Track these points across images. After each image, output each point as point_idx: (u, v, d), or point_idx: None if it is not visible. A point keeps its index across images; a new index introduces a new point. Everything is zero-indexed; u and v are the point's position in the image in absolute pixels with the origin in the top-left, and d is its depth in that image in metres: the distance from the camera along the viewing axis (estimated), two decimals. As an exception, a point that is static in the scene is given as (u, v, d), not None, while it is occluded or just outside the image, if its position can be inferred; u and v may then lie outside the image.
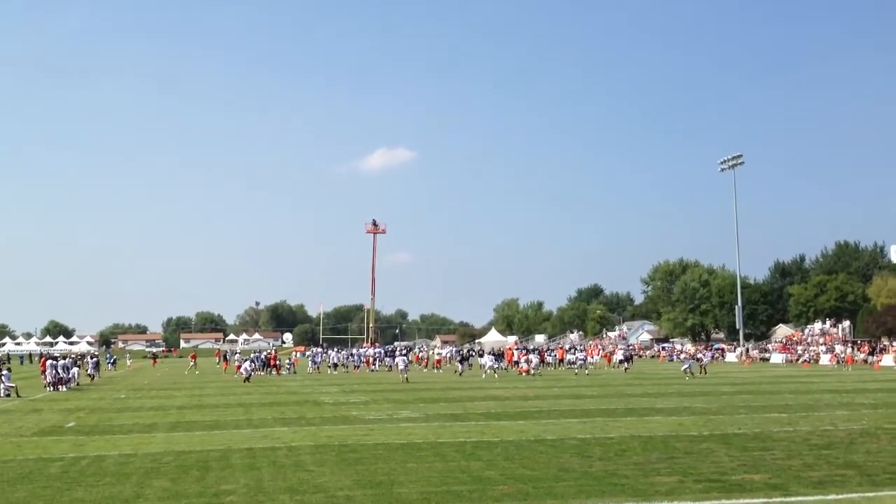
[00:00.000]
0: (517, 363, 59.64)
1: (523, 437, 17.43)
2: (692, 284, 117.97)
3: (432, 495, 10.96)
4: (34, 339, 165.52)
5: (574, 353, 68.82)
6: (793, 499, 10.45)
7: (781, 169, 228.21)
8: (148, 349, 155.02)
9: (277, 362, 61.88)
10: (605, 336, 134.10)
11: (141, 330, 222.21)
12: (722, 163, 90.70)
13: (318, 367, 62.97)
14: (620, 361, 32.71)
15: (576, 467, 13.27)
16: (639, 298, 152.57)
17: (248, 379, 45.67)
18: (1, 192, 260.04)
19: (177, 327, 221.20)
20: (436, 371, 59.19)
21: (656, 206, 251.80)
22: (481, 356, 72.62)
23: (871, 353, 68.31)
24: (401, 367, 46.99)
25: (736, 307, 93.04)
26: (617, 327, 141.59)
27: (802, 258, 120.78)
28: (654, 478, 12.17)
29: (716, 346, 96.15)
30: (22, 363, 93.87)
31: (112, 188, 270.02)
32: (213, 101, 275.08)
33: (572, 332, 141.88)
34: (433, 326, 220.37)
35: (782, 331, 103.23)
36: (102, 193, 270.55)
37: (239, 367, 60.34)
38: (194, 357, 72.14)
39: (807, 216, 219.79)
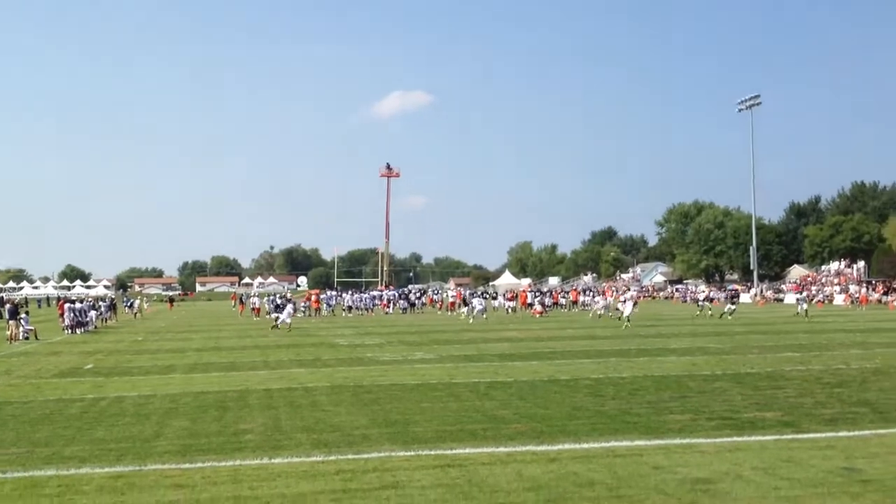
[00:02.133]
0: (531, 305, 59.86)
1: (537, 378, 17.56)
2: (707, 226, 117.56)
3: (447, 434, 11.10)
4: (51, 283, 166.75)
5: (588, 295, 68.95)
6: (805, 436, 10.52)
7: (798, 110, 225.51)
8: (164, 293, 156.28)
9: (319, 305, 61.78)
10: (619, 278, 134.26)
11: (157, 274, 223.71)
12: (739, 103, 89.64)
13: (332, 310, 63.38)
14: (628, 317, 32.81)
15: (589, 406, 13.39)
16: (653, 240, 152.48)
17: (276, 324, 41.53)
18: (19, 135, 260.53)
19: (192, 271, 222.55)
20: (450, 314, 59.51)
21: (672, 147, 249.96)
22: (494, 299, 73.05)
23: (886, 294, 68.18)
24: (478, 308, 46.09)
25: (751, 248, 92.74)
26: (631, 269, 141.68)
27: (818, 199, 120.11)
28: (667, 416, 12.26)
29: (730, 287, 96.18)
30: (39, 307, 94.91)
31: (129, 133, 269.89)
32: (229, 44, 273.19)
33: (586, 275, 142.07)
34: (447, 269, 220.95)
35: (797, 271, 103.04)
36: (120, 138, 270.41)
37: (258, 309, 60.83)
38: (235, 297, 71.28)
39: (823, 157, 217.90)
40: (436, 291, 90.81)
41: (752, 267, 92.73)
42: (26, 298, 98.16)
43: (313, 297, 66.90)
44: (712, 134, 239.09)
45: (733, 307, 46.95)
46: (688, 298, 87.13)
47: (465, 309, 46.03)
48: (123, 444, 10.83)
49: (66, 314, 42.49)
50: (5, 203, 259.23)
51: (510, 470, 8.86)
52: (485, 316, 45.64)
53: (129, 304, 78.26)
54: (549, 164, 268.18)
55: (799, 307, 46.89)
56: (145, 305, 67.04)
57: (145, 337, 37.36)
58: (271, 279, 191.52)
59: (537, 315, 52.79)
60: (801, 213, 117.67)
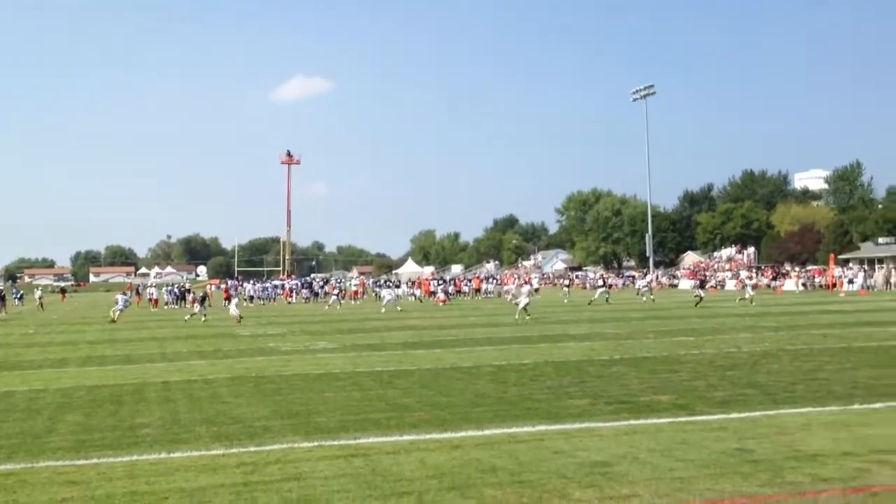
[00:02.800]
0: (434, 293, 60.15)
1: (440, 366, 17.65)
2: (605, 214, 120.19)
3: (350, 423, 11.05)
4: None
5: (491, 283, 69.77)
6: (698, 418, 10.88)
7: (691, 99, 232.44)
8: (56, 283, 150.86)
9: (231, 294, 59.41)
10: (520, 265, 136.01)
11: (48, 264, 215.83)
12: (634, 93, 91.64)
13: (225, 301, 62.23)
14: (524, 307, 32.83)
15: (491, 393, 13.53)
16: (553, 228, 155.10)
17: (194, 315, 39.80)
18: None
19: (86, 261, 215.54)
20: (353, 302, 59.27)
21: (571, 136, 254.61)
22: (398, 287, 73.07)
23: (774, 279, 71.02)
24: (387, 298, 45.21)
25: (647, 235, 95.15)
26: (532, 256, 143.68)
27: (710, 187, 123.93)
28: (567, 401, 12.50)
29: (627, 273, 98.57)
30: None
31: (18, 115, 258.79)
32: (126, 24, 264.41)
33: (489, 262, 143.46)
34: (350, 258, 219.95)
35: (690, 258, 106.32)
36: (8, 120, 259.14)
37: (155, 300, 59.17)
38: (131, 288, 69.27)
39: (715, 145, 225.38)
40: (339, 280, 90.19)
41: (648, 254, 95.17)
42: None
43: (222, 287, 65.22)
44: (610, 123, 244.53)
45: (703, 293, 46.25)
46: (587, 285, 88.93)
47: (386, 297, 44.92)
48: (14, 441, 10.42)
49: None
50: None
51: (414, 458, 8.88)
52: (398, 307, 45.42)
53: (18, 295, 75.27)
54: (451, 151, 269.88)
55: (747, 293, 46.26)
56: (37, 296, 64.47)
57: (36, 329, 35.99)
58: (169, 269, 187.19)
59: (441, 303, 53.08)
60: (695, 201, 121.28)
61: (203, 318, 38.34)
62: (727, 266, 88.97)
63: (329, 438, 10.03)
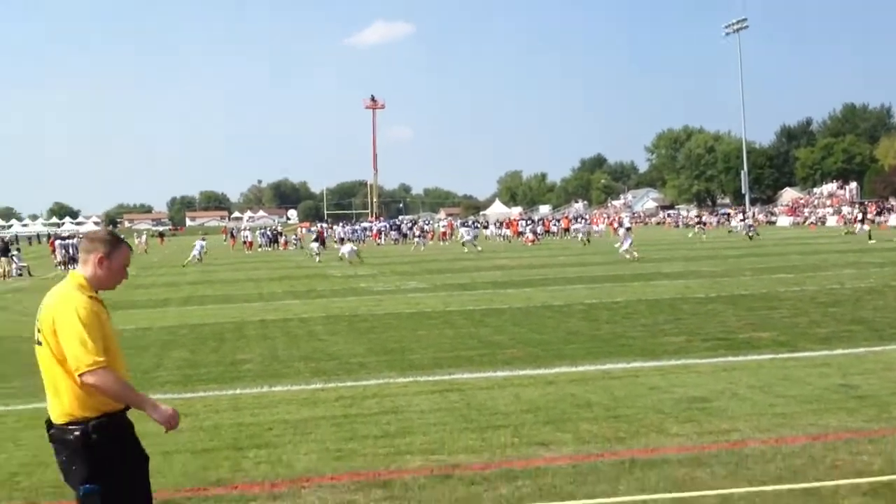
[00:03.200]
0: (522, 233, 59.96)
1: (531, 304, 17.62)
2: (697, 151, 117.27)
3: (444, 360, 11.16)
4: (40, 221, 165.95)
5: (580, 223, 69.11)
6: (800, 354, 10.61)
7: (787, 31, 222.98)
8: (154, 228, 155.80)
9: (325, 235, 59.97)
10: (609, 205, 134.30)
11: (146, 209, 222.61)
12: (726, 27, 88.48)
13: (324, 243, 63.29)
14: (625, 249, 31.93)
15: (584, 330, 13.47)
16: (643, 166, 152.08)
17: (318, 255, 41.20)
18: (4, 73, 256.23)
19: (181, 206, 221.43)
20: (441, 243, 59.58)
21: (661, 72, 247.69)
22: (486, 228, 73.10)
23: (879, 214, 68.41)
24: (466, 237, 45.60)
25: (742, 172, 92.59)
26: (622, 196, 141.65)
27: (809, 121, 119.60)
28: (662, 338, 12.35)
29: (721, 211, 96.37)
30: (30, 244, 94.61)
31: (116, 67, 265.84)
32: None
33: (577, 202, 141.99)
34: (437, 200, 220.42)
35: (789, 194, 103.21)
36: (107, 72, 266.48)
37: (250, 243, 60.57)
38: (225, 232, 70.41)
39: (813, 79, 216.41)
40: (426, 222, 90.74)
41: (743, 191, 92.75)
42: (16, 236, 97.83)
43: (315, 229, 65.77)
44: (701, 58, 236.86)
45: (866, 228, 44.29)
46: (680, 224, 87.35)
47: (464, 236, 45.67)
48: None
49: (57, 251, 42.45)
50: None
51: (508, 393, 8.93)
52: (478, 247, 45.38)
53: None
54: (538, 91, 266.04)
55: (856, 229, 44.32)
56: (137, 241, 66.72)
57: (138, 272, 37.31)
58: (261, 213, 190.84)
59: (529, 243, 52.90)
60: (792, 136, 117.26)
61: (318, 258, 39.39)
62: (828, 202, 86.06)
63: (424, 374, 10.15)
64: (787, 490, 5.63)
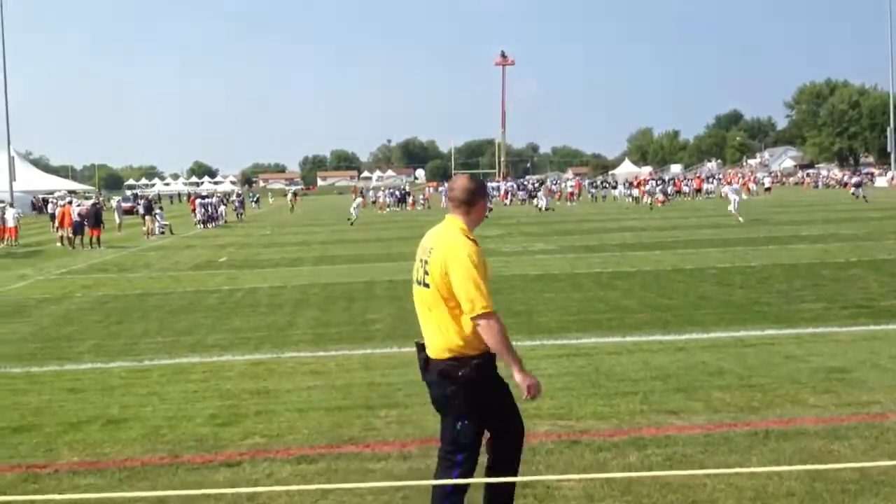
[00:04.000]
0: (652, 193, 58.70)
1: (660, 267, 17.31)
2: (840, 106, 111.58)
3: (571, 323, 11.12)
4: (181, 180, 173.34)
5: (712, 183, 67.15)
6: (949, 325, 10.07)
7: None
8: (287, 187, 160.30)
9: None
10: (745, 164, 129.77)
11: (280, 169, 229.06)
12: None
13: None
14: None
15: (716, 295, 13.15)
16: (782, 123, 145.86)
17: None
18: (146, 45, 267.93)
19: (313, 165, 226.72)
20: (569, 204, 59.02)
21: (801, 21, 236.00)
22: (614, 188, 71.93)
23: None
24: (542, 202, 45.30)
25: (888, 129, 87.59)
26: (758, 154, 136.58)
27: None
28: (799, 305, 11.93)
29: (865, 170, 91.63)
30: (171, 203, 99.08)
31: (246, 34, 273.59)
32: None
33: (710, 161, 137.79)
34: (565, 159, 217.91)
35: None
36: (238, 41, 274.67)
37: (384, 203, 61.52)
38: (355, 191, 72.16)
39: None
40: (554, 182, 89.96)
41: (889, 149, 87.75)
42: (159, 194, 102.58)
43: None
44: (846, 7, 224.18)
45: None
46: (819, 184, 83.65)
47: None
48: (260, 333, 11.32)
49: (197, 209, 44.29)
50: (135, 105, 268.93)
51: (637, 359, 8.84)
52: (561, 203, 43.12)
53: (254, 199, 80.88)
54: (670, 45, 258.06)
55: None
56: (271, 200, 68.82)
57: (273, 231, 38.60)
58: (390, 172, 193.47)
59: (660, 204, 51.77)
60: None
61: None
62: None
63: (551, 338, 10.15)
64: (933, 468, 5.38)
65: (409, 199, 64.54)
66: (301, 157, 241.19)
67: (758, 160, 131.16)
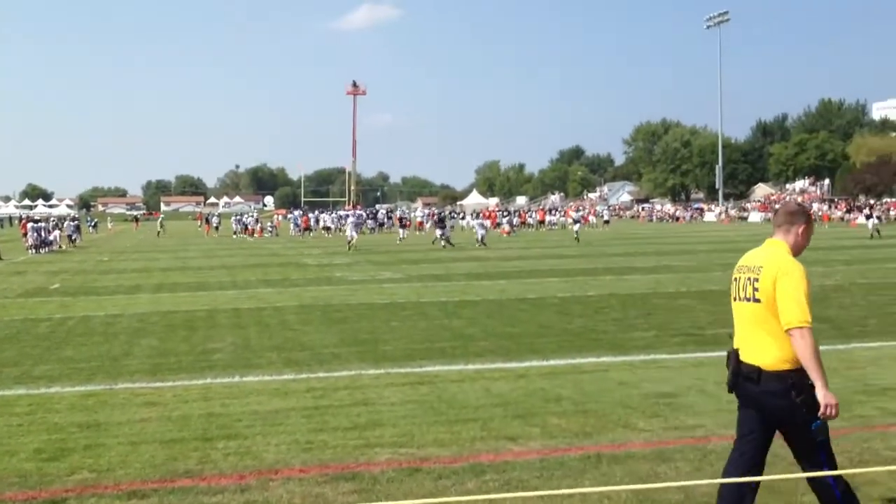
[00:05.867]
0: (499, 224, 60.08)
1: (505, 297, 17.70)
2: (674, 145, 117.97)
3: (416, 352, 11.20)
4: (13, 203, 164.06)
5: (554, 215, 69.36)
6: (766, 351, 10.73)
7: (767, 27, 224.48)
8: (129, 212, 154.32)
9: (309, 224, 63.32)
10: (586, 197, 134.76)
11: (121, 193, 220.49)
12: (708, 20, 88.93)
13: (300, 230, 63.06)
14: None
15: (556, 324, 13.56)
16: (620, 159, 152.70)
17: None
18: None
19: (157, 190, 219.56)
20: (417, 233, 59.54)
21: (640, 65, 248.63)
22: (463, 219, 73.10)
23: (848, 212, 69.14)
24: (480, 231, 41.69)
25: (717, 167, 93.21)
26: (598, 188, 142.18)
27: (785, 117, 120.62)
28: (632, 333, 12.46)
29: (695, 205, 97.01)
30: (1, 226, 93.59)
31: (90, 48, 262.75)
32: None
33: (553, 194, 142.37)
34: (415, 189, 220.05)
35: (762, 190, 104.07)
36: (83, 53, 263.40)
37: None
38: (200, 217, 69.91)
39: (791, 74, 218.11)
40: (404, 212, 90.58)
41: (717, 186, 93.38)
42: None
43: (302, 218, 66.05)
44: (680, 51, 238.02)
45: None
46: (654, 217, 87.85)
47: (438, 232, 41.89)
48: (93, 363, 10.81)
49: (29, 234, 41.97)
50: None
51: (479, 386, 8.99)
52: (483, 241, 40.41)
53: (92, 224, 77.45)
54: (517, 82, 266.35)
55: (870, 224, 43.26)
56: (110, 225, 66.15)
57: (111, 257, 37.05)
58: (237, 199, 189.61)
59: (505, 234, 53.03)
60: (768, 132, 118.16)
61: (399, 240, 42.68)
62: (800, 198, 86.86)
63: (395, 366, 10.18)
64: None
65: (257, 227, 63.37)
66: (144, 180, 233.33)
67: (598, 194, 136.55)
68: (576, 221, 50.06)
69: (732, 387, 4.71)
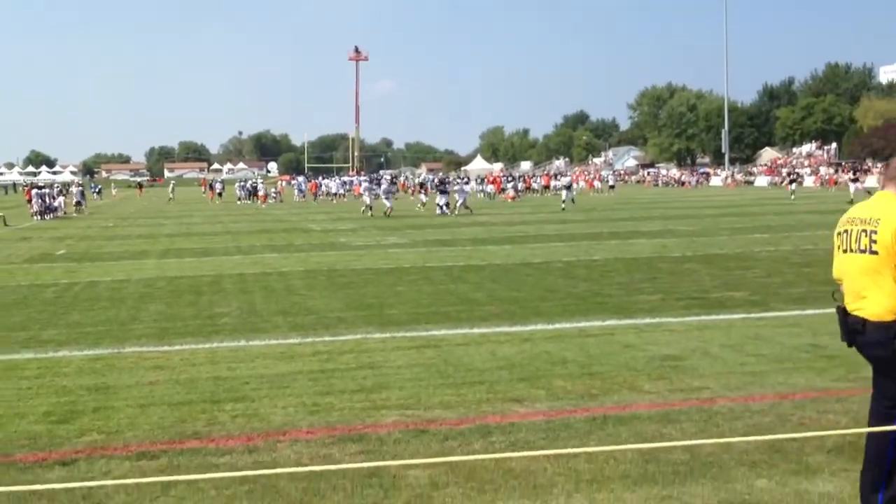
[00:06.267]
0: (504, 190, 59.93)
1: (510, 261, 17.70)
2: (679, 109, 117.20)
3: (421, 316, 11.22)
4: (17, 170, 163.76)
5: (559, 179, 69.04)
6: (771, 314, 10.76)
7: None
8: (132, 178, 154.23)
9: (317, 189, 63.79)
10: (591, 162, 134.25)
11: (124, 160, 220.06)
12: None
13: (304, 195, 62.95)
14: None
15: (561, 288, 13.57)
16: (625, 124, 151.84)
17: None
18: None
19: (160, 157, 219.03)
20: (424, 197, 59.33)
21: (645, 28, 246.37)
22: (467, 184, 72.89)
23: (854, 175, 68.72)
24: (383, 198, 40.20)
25: (723, 131, 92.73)
26: (603, 153, 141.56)
27: (791, 80, 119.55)
28: (638, 297, 12.46)
29: (701, 170, 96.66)
30: (6, 193, 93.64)
31: (92, 15, 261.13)
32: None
33: (558, 159, 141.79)
34: (419, 154, 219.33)
35: (768, 154, 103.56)
36: (83, 20, 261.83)
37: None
38: (205, 183, 69.60)
39: (798, 38, 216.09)
40: (407, 177, 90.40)
41: (723, 150, 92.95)
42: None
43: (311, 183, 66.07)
44: (686, 15, 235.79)
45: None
46: (659, 182, 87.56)
47: (439, 199, 39.20)
48: (100, 328, 10.87)
49: (34, 200, 42.00)
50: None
51: (484, 350, 9.01)
52: (465, 204, 39.58)
53: (96, 190, 77.45)
54: (521, 47, 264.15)
55: (853, 189, 43.15)
56: (114, 191, 66.17)
57: (116, 223, 37.10)
58: (241, 165, 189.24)
59: (510, 200, 52.91)
60: (774, 96, 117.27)
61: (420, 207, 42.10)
62: (806, 162, 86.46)
63: (401, 330, 10.21)
64: (754, 446, 5.75)
65: (261, 193, 63.23)
66: (147, 147, 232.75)
67: (603, 159, 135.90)
68: (566, 188, 43.68)
69: (850, 342, 4.70)
